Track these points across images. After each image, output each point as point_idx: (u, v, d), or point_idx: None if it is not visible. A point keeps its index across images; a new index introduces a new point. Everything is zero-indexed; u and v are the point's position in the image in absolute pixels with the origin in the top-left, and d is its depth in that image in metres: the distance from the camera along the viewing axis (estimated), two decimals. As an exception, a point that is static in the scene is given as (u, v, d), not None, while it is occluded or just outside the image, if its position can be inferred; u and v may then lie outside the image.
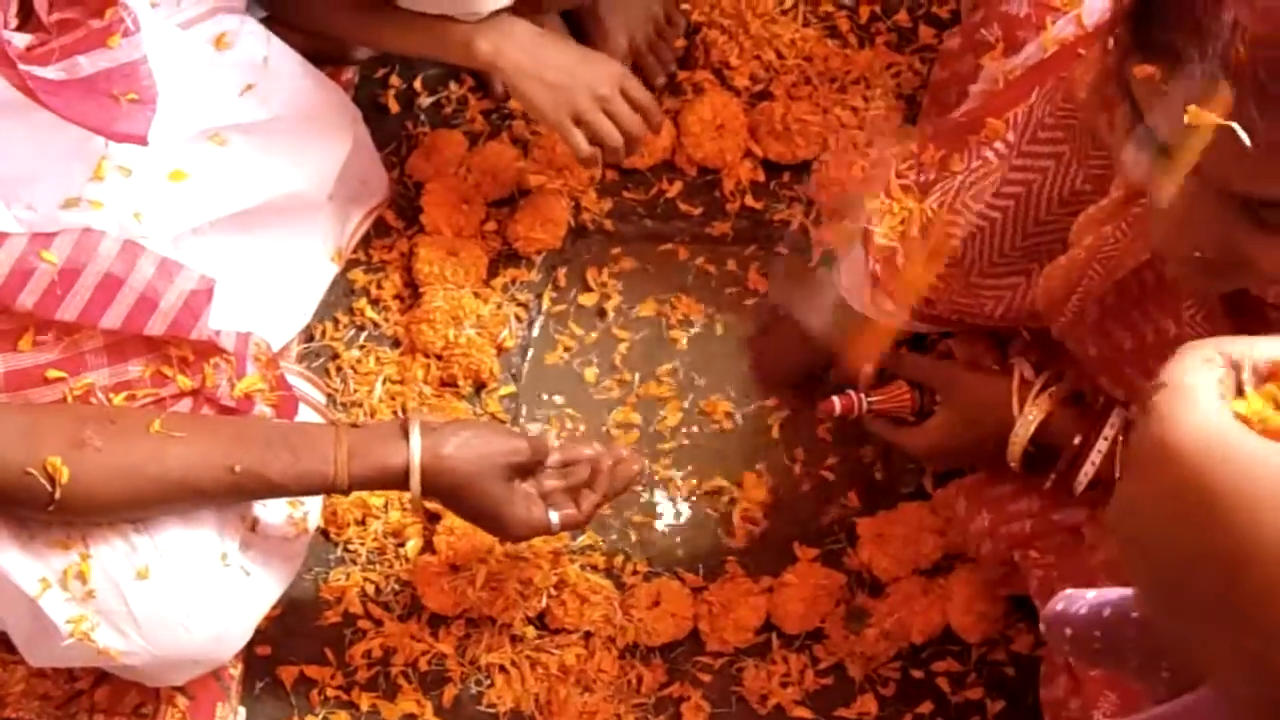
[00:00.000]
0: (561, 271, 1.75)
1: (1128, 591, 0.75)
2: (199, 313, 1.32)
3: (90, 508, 1.27)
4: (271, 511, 1.47)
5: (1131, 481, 0.56)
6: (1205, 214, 0.89)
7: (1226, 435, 0.52)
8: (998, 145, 1.35)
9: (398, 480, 1.32)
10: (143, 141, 1.22)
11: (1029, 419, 1.43)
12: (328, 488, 1.31)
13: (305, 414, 1.58)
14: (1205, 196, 0.87)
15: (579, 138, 1.55)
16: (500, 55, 1.52)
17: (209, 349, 1.36)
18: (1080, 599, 0.80)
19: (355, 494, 1.47)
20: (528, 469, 1.38)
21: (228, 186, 1.40)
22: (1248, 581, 0.50)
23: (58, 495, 1.22)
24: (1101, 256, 1.25)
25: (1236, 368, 0.56)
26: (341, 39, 1.57)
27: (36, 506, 1.24)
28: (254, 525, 1.44)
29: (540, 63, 1.53)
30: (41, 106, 1.15)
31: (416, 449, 1.31)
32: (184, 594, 1.34)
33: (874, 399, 1.55)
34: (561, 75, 1.53)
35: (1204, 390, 0.54)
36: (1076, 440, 1.40)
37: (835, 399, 1.54)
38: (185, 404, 1.36)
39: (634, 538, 1.67)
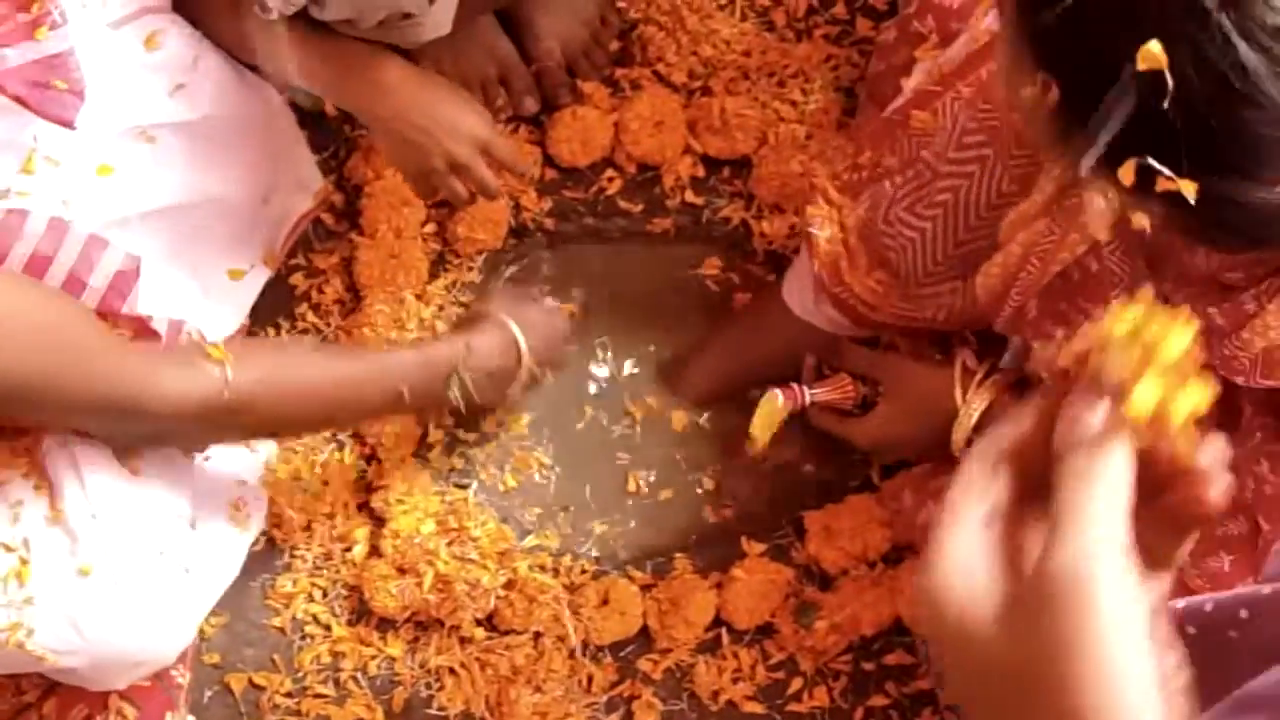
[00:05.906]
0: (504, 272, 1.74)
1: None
2: (127, 292, 1.32)
3: (253, 402, 1.30)
4: (212, 511, 1.47)
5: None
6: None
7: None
8: (926, 155, 1.35)
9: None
10: (70, 126, 1.22)
11: (972, 408, 1.44)
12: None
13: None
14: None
15: (424, 192, 1.58)
16: (350, 98, 1.48)
17: (140, 333, 1.35)
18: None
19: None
20: None
21: (155, 183, 1.39)
22: None
23: (229, 375, 1.26)
24: (1037, 251, 1.26)
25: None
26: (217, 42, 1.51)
27: (208, 398, 1.26)
28: (193, 523, 1.43)
29: (399, 115, 1.46)
30: None
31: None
32: (123, 590, 1.33)
33: (817, 392, 1.55)
34: (419, 132, 1.46)
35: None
36: (1020, 429, 1.41)
37: (778, 392, 1.55)
38: None
39: (581, 536, 1.67)
